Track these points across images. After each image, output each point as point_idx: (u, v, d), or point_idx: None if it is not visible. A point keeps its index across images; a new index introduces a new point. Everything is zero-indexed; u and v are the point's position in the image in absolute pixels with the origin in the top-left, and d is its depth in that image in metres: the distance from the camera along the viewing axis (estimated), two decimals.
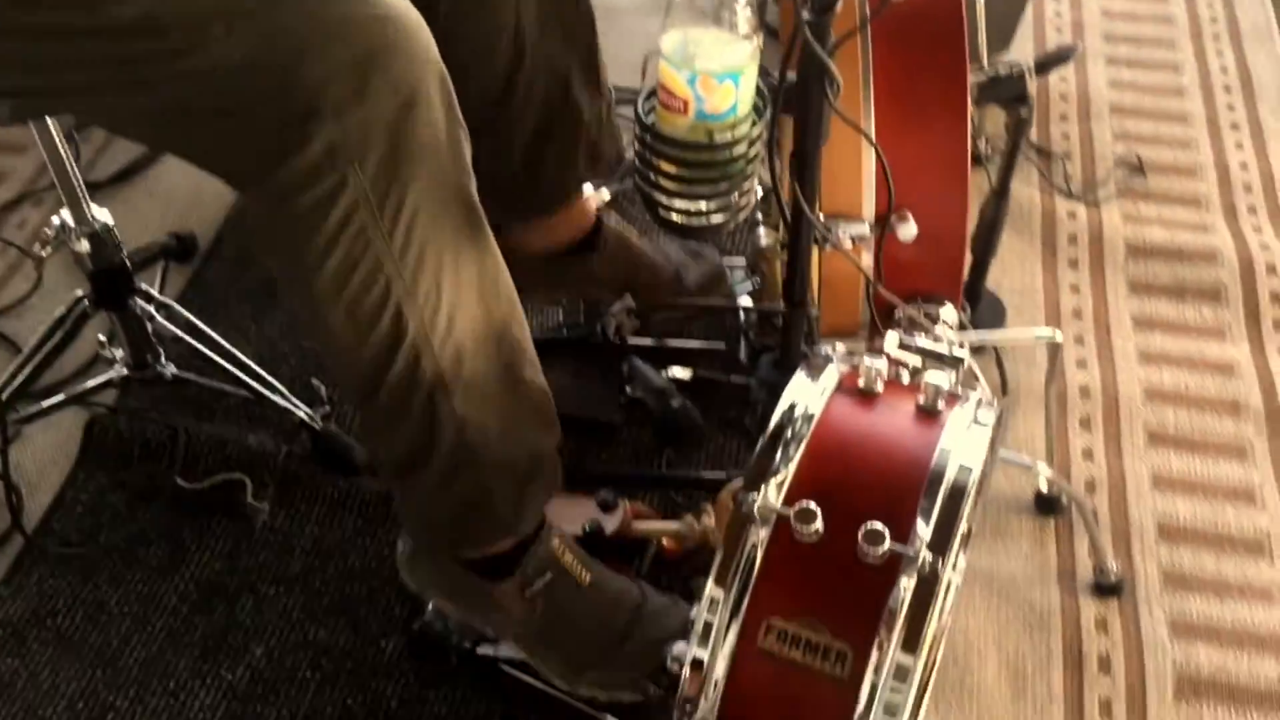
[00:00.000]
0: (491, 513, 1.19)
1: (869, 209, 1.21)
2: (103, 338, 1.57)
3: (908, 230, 1.20)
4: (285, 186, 0.97)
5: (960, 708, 1.32)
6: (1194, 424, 1.58)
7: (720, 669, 0.91)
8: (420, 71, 0.97)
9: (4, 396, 1.48)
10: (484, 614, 1.26)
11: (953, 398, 0.98)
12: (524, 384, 1.17)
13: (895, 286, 1.23)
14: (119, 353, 1.55)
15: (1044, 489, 1.48)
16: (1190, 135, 1.98)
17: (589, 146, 1.50)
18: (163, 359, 1.55)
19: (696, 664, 0.91)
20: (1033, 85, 1.29)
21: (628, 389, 1.37)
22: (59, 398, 1.55)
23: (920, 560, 0.87)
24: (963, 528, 0.90)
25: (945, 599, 0.88)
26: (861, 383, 0.99)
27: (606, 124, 1.51)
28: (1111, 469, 1.53)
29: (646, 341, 1.55)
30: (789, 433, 0.95)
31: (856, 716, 0.87)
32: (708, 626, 0.90)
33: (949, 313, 1.25)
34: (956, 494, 0.91)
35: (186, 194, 1.86)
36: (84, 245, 1.42)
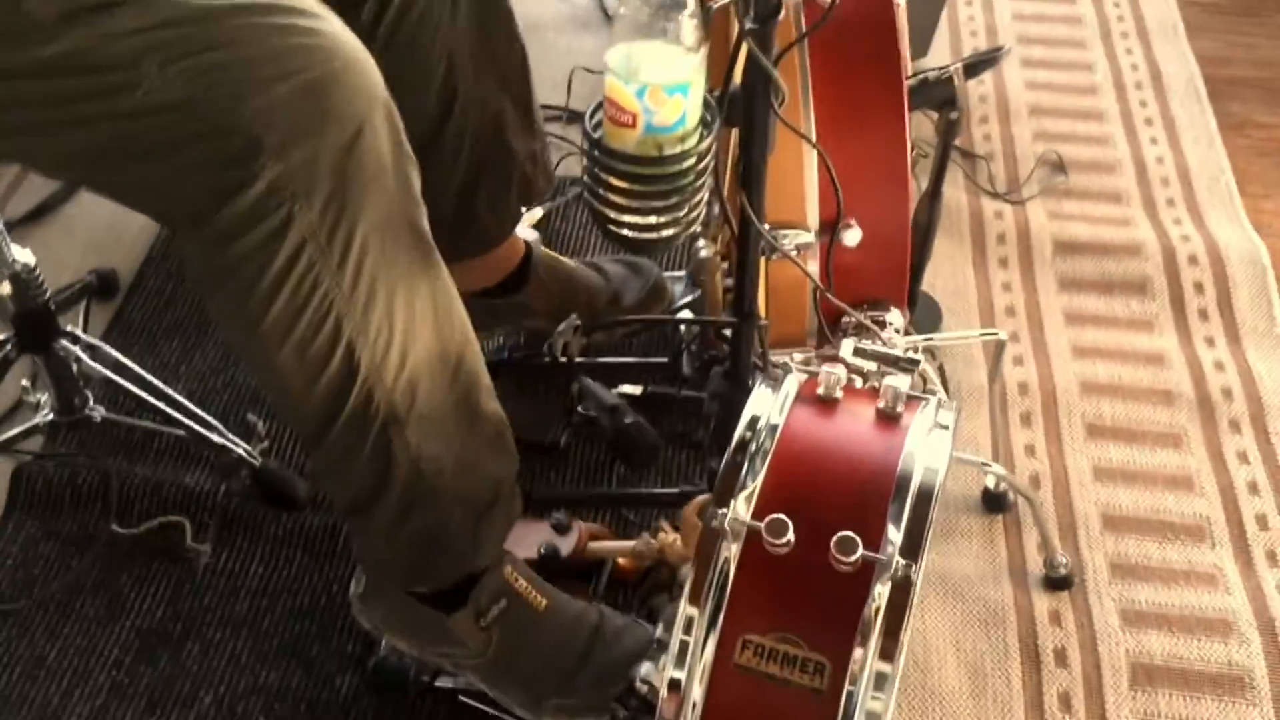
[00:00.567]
0: (449, 547, 1.17)
1: (813, 217, 1.22)
2: (25, 383, 1.51)
3: (853, 236, 1.21)
4: (229, 226, 0.94)
5: (924, 710, 1.32)
6: (1130, 415, 1.61)
7: (697, 690, 0.89)
8: (365, 103, 0.94)
9: None
10: (441, 649, 1.23)
11: (912, 401, 0.98)
12: (480, 414, 1.14)
13: (841, 293, 1.23)
14: (43, 397, 1.50)
15: (991, 486, 1.50)
16: (1106, 132, 2.03)
17: (522, 183, 1.48)
18: (91, 401, 1.50)
19: (673, 685, 0.90)
20: (963, 88, 1.31)
21: (580, 408, 1.36)
22: None
23: (894, 566, 0.87)
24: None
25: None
26: (821, 390, 0.99)
27: (541, 163, 1.49)
28: (1054, 463, 1.55)
29: (597, 359, 1.54)
30: (753, 445, 0.94)
31: None
32: (684, 646, 0.89)
33: (895, 317, 1.26)
34: (924, 497, 0.91)
35: (104, 230, 1.81)
36: (4, 288, 1.37)
